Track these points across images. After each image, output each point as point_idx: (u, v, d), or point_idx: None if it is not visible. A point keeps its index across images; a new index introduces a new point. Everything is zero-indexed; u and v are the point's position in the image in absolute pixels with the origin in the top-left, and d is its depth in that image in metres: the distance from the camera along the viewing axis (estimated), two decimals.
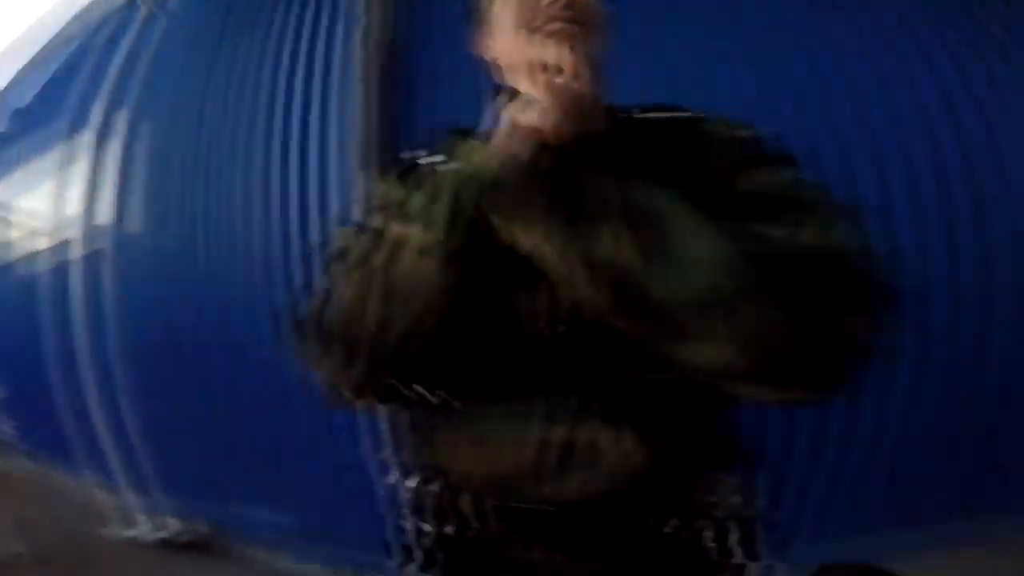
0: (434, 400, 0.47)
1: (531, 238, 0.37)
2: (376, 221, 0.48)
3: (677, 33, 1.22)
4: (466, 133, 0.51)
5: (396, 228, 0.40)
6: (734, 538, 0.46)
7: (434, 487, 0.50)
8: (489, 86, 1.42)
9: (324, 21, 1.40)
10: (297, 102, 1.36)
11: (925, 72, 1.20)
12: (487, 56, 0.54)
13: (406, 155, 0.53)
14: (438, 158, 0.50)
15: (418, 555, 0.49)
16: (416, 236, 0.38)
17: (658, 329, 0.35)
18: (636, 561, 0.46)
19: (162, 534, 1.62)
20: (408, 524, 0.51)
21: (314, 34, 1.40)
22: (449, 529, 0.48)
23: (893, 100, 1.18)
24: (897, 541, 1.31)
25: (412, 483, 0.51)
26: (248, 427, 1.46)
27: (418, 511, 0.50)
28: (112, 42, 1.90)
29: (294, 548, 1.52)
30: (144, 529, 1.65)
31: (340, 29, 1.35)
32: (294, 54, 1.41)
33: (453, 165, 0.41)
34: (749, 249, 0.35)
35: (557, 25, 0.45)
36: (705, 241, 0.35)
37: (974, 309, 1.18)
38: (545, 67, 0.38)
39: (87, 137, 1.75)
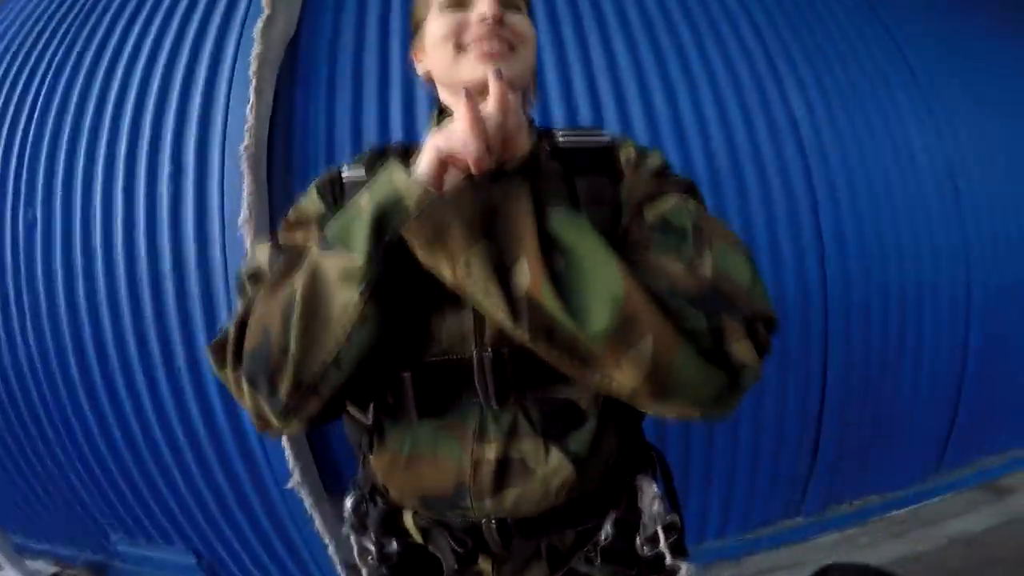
0: (367, 421, 0.46)
1: (453, 267, 0.36)
2: (291, 238, 0.47)
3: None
4: (387, 153, 0.51)
5: (315, 253, 0.39)
6: (663, 543, 0.48)
7: (374, 506, 0.50)
8: (389, 94, 1.34)
9: (219, 9, 1.24)
10: (174, 94, 1.20)
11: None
12: (419, 69, 0.54)
13: (328, 168, 0.52)
14: (357, 174, 0.49)
15: (364, 572, 0.50)
16: (337, 262, 0.37)
17: (572, 357, 0.37)
18: (579, 570, 0.48)
19: None
20: (352, 542, 0.51)
21: (204, 20, 1.24)
22: (393, 546, 0.49)
23: (778, 135, 1.30)
24: (793, 529, 1.46)
25: (351, 503, 0.52)
26: (133, 461, 1.28)
27: (360, 529, 0.51)
28: None
29: None
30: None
31: (237, 20, 1.20)
32: (178, 37, 1.24)
33: (375, 189, 0.39)
34: (650, 285, 0.37)
35: (485, 45, 0.45)
36: (612, 277, 0.36)
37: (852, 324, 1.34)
38: (471, 90, 0.37)
39: None
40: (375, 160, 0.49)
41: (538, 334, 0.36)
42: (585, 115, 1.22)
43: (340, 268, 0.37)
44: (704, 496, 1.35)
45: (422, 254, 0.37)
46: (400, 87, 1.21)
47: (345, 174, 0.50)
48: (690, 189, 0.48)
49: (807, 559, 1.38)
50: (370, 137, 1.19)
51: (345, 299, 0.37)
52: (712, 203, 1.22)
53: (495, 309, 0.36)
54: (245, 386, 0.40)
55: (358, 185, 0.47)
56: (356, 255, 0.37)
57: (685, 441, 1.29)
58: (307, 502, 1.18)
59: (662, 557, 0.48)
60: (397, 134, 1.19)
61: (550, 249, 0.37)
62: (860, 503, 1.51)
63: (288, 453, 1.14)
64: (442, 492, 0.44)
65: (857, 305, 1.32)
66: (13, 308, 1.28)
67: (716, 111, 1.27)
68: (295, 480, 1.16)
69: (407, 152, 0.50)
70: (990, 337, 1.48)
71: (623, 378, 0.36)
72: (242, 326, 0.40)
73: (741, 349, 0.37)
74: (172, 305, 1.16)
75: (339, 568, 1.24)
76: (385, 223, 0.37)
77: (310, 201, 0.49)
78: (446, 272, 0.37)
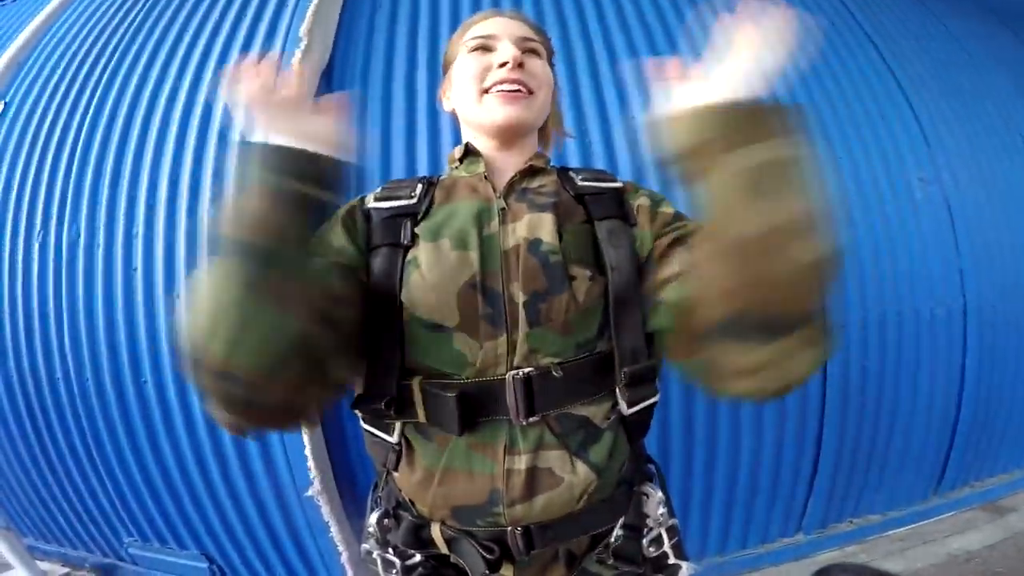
0: (392, 441, 0.49)
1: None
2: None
3: None
4: (432, 182, 0.55)
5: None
6: (666, 544, 0.53)
7: (395, 521, 0.52)
8: (415, 124, 1.40)
9: (258, 39, 1.32)
10: (216, 120, 1.26)
11: None
12: (446, 106, 0.59)
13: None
14: (387, 204, 0.52)
15: None
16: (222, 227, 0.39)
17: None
18: (589, 570, 0.52)
19: None
20: (376, 557, 0.52)
21: (245, 52, 1.32)
22: (417, 558, 0.51)
23: None
24: (793, 546, 1.48)
25: (374, 518, 0.53)
26: (156, 464, 1.32)
27: (383, 544, 0.52)
28: None
29: None
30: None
31: (276, 50, 1.28)
32: (220, 65, 1.31)
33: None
34: None
35: (504, 87, 0.50)
36: None
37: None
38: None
39: None
40: (427, 189, 0.53)
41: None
42: (599, 152, 1.29)
43: (224, 229, 0.39)
44: (705, 513, 1.38)
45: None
46: (427, 117, 1.28)
47: (371, 204, 0.52)
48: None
49: None
50: (398, 165, 1.25)
51: (225, 267, 0.38)
52: None
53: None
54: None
55: (389, 216, 0.51)
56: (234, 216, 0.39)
57: (687, 459, 1.32)
58: (325, 510, 1.21)
59: (665, 557, 0.54)
60: (423, 162, 1.25)
61: None
62: (860, 521, 1.53)
63: (310, 462, 1.18)
64: (476, 501, 0.47)
65: (856, 329, 1.37)
66: (51, 312, 1.33)
67: None
68: (315, 488, 1.20)
69: (431, 184, 0.54)
70: (985, 360, 1.51)
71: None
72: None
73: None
74: None
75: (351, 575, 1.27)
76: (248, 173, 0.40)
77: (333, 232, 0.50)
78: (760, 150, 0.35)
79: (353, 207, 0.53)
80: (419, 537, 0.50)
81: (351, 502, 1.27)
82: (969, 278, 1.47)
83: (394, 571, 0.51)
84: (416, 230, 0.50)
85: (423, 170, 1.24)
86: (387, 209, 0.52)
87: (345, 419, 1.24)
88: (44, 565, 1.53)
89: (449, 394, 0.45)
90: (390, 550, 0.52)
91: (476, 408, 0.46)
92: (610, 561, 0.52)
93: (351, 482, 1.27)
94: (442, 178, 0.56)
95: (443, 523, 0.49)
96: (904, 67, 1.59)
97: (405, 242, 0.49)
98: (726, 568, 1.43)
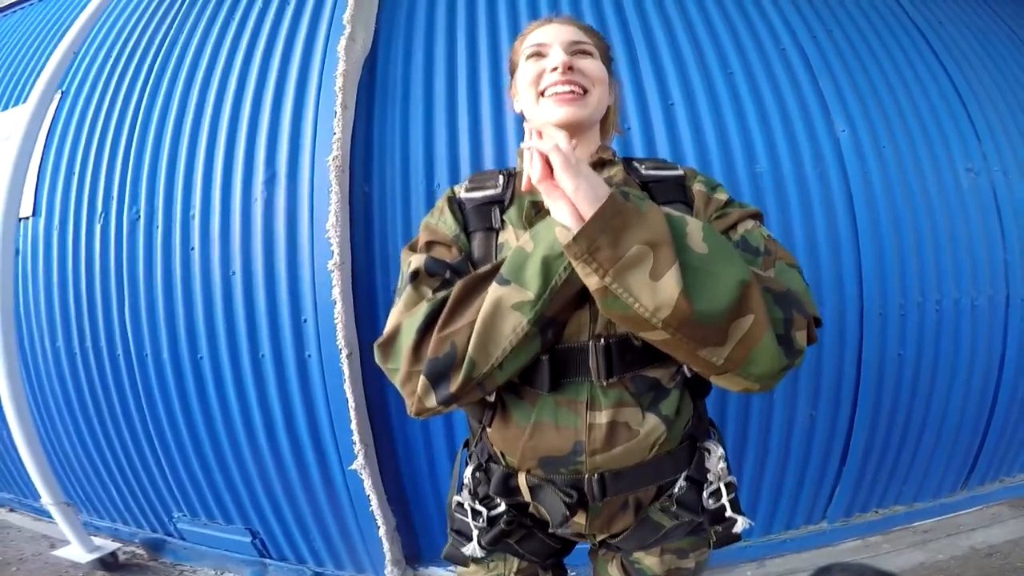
0: (490, 400, 0.56)
1: (602, 276, 0.44)
2: (436, 252, 0.56)
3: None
4: (512, 174, 0.62)
5: (494, 287, 0.49)
6: (725, 498, 0.59)
7: (485, 474, 0.60)
8: (456, 108, 1.41)
9: (303, 25, 1.34)
10: (267, 106, 1.30)
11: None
12: (515, 107, 0.65)
13: (447, 191, 0.63)
14: (477, 195, 0.59)
15: (475, 534, 0.59)
16: (512, 295, 0.48)
17: (691, 339, 0.44)
18: (652, 518, 0.58)
19: (95, 555, 1.51)
20: (466, 508, 0.60)
21: (291, 38, 1.34)
22: (502, 507, 0.59)
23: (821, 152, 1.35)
24: (817, 534, 1.48)
25: (469, 471, 0.61)
26: (209, 441, 1.38)
27: (474, 495, 0.60)
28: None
29: (247, 567, 1.48)
30: (74, 551, 1.52)
31: (321, 36, 1.30)
32: (267, 56, 1.35)
33: (541, 241, 0.49)
34: (756, 279, 0.46)
35: (558, 89, 0.55)
36: (740, 265, 0.45)
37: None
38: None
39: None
40: (508, 180, 0.60)
41: (670, 325, 0.43)
42: (637, 141, 1.29)
43: (515, 300, 0.48)
44: (758, 477, 1.39)
45: (578, 267, 0.44)
46: (467, 100, 1.30)
47: (463, 195, 0.60)
48: (758, 216, 0.58)
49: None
50: (440, 148, 1.27)
51: (515, 322, 0.48)
52: None
53: (636, 307, 0.43)
54: (421, 379, 0.49)
55: (480, 204, 0.58)
56: (529, 292, 0.47)
57: (744, 416, 1.33)
58: (367, 483, 1.26)
59: (723, 510, 0.58)
60: (464, 145, 1.28)
61: (684, 249, 0.44)
62: (885, 512, 1.54)
63: (355, 435, 1.23)
64: (561, 452, 0.53)
65: (893, 318, 1.36)
66: (113, 292, 1.39)
67: (763, 136, 1.32)
68: (359, 462, 1.25)
69: (511, 176, 0.61)
70: None
71: (724, 352, 0.44)
72: (423, 336, 0.49)
73: (800, 338, 0.48)
74: (261, 298, 1.25)
75: (386, 548, 1.32)
76: (553, 270, 0.47)
77: (444, 224, 0.58)
78: (593, 280, 0.44)
79: (450, 197, 0.60)
80: (507, 486, 0.58)
81: (391, 477, 1.32)
82: (1013, 269, 1.44)
83: (480, 519, 0.59)
84: (503, 217, 0.57)
85: (465, 151, 1.27)
86: (478, 198, 0.59)
87: (388, 395, 1.28)
88: (96, 540, 1.58)
89: (544, 357, 0.52)
90: (478, 501, 0.60)
91: (562, 369, 0.53)
92: (673, 508, 0.57)
93: (391, 457, 1.32)
94: (518, 170, 0.62)
95: (529, 472, 0.56)
96: (955, 59, 1.54)
97: (496, 226, 0.57)
98: (748, 553, 1.45)
